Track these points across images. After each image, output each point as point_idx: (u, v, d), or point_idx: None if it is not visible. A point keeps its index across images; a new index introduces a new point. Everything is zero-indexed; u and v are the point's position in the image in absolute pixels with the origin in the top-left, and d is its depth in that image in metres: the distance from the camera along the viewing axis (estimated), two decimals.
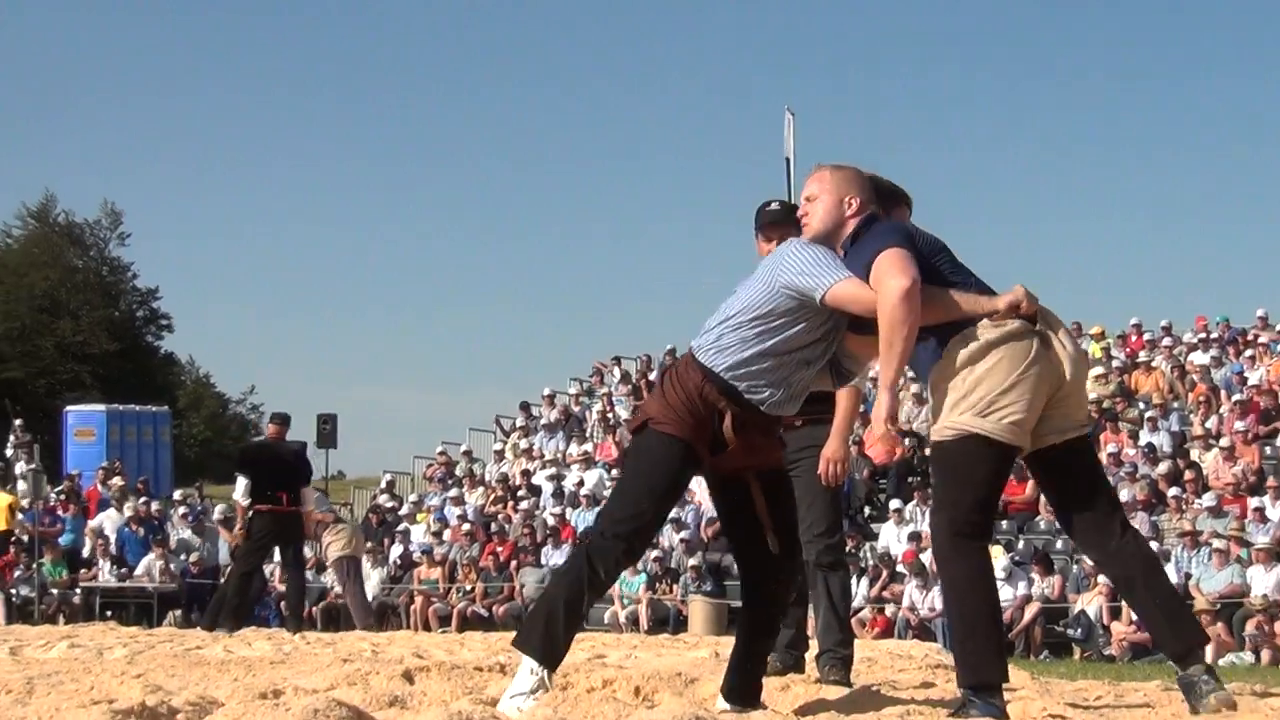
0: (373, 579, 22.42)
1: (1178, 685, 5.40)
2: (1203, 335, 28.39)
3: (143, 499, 28.07)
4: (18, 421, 33.73)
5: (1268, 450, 22.86)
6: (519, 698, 5.34)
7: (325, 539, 18.89)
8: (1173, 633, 5.39)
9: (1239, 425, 23.19)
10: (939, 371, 5.34)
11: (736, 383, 5.45)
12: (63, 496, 28.93)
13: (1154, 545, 19.52)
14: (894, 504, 22.62)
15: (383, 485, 31.18)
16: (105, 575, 25.31)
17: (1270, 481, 21.49)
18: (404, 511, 27.73)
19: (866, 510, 23.81)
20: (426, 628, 21.32)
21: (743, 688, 5.78)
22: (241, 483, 16.77)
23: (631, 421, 5.84)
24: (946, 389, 5.28)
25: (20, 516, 26.61)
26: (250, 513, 16.63)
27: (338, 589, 21.87)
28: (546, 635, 5.52)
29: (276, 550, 17.32)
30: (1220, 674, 5.53)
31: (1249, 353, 27.04)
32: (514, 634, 5.88)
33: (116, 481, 29.36)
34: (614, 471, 27.29)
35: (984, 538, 5.40)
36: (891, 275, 5.18)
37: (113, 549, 25.78)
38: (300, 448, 18.56)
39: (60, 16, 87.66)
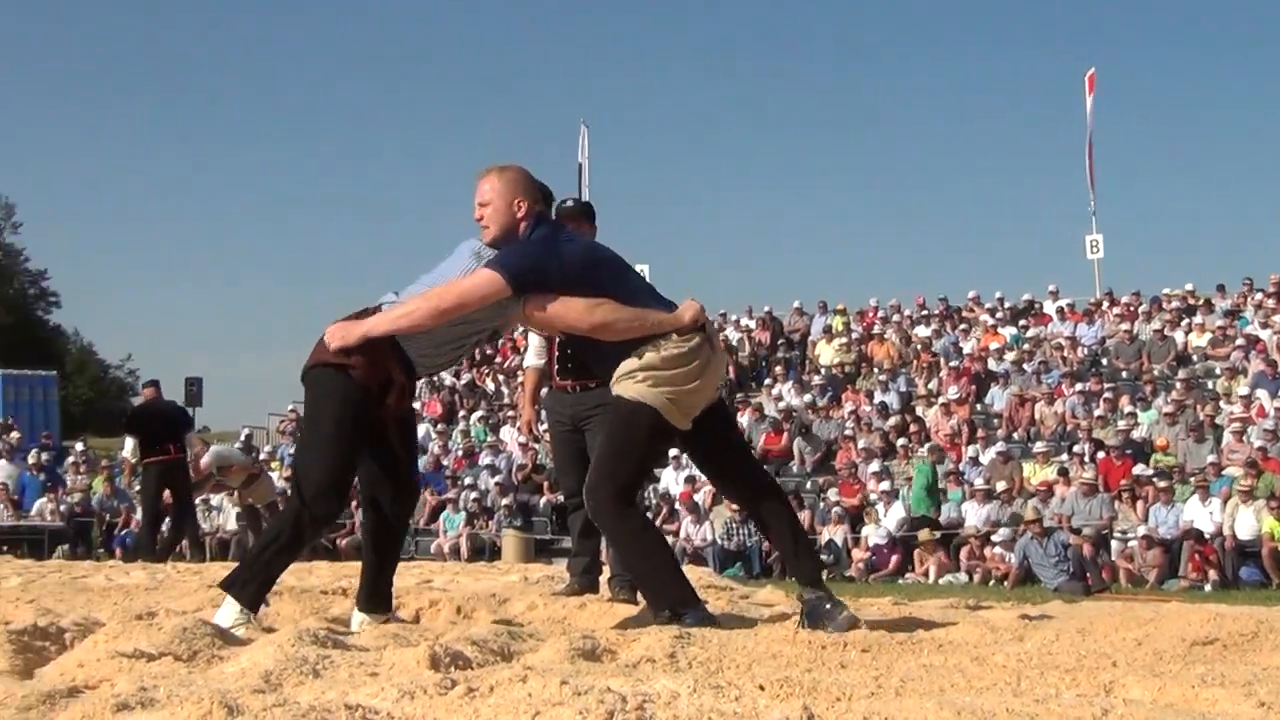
0: (231, 517, 22.05)
1: (801, 606, 5.28)
2: (924, 312, 28.98)
3: (45, 451, 27.40)
4: None
5: (978, 408, 23.40)
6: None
7: (248, 489, 18.32)
8: (803, 561, 5.36)
9: (954, 388, 23.73)
10: (627, 367, 5.20)
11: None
12: None
13: (884, 486, 19.89)
14: (673, 451, 22.81)
15: (242, 439, 30.59)
16: (2, 517, 24.53)
17: (980, 433, 22.03)
18: (261, 459, 27.26)
19: None
20: None
21: (379, 596, 5.58)
22: (129, 442, 16.46)
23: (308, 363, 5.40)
24: (635, 377, 5.15)
25: None
26: (140, 467, 16.28)
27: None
28: (257, 585, 5.26)
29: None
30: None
31: (963, 326, 27.66)
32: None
33: (15, 435, 28.54)
34: (439, 426, 27.12)
35: (635, 499, 5.40)
36: (455, 285, 5.15)
37: (13, 493, 24.97)
38: (177, 404, 18.27)
39: None
